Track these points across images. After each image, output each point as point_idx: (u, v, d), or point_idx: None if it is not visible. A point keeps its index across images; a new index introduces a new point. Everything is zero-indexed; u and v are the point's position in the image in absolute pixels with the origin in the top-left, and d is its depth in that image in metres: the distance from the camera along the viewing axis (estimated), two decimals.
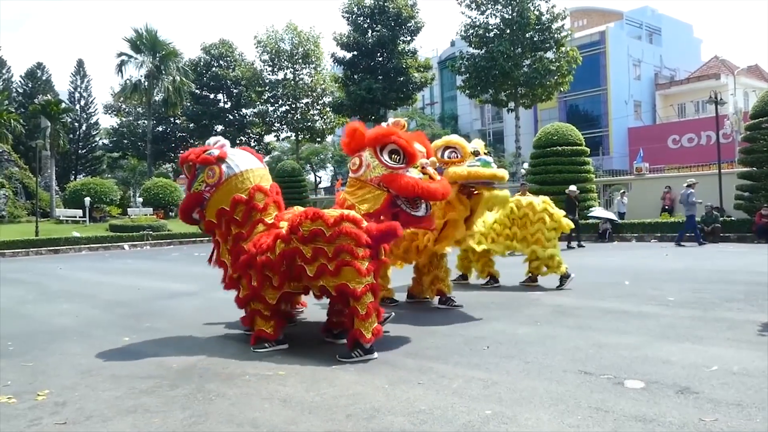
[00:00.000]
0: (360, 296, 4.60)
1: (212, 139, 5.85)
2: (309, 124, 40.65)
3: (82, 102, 49.34)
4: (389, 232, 4.78)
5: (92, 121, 50.37)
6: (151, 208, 30.57)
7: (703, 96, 30.33)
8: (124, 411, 3.64)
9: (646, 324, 5.73)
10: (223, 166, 5.42)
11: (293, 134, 42.34)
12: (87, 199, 28.31)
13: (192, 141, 46.41)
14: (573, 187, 16.88)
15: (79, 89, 49.25)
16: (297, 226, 4.78)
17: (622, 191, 23.93)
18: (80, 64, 49.76)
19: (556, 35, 30.31)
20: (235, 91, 43.49)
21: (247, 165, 5.54)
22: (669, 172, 28.28)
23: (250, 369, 4.50)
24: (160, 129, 46.25)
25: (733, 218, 18.58)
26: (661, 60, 45.52)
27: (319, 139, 43.73)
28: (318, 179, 56.82)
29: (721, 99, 22.66)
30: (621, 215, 21.78)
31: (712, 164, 23.55)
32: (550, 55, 30.52)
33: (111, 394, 3.97)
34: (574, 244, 16.28)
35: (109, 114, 49.80)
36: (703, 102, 35.08)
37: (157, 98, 40.49)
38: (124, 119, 49.31)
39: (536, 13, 30.02)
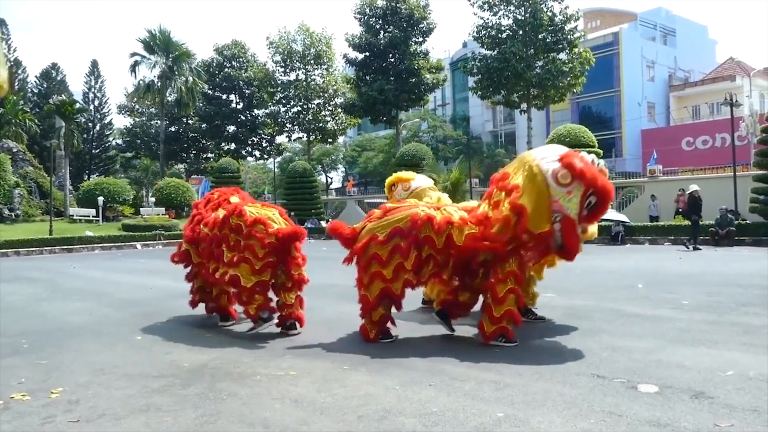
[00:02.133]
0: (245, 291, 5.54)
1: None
2: (320, 124, 40.76)
3: (96, 102, 49.83)
4: (294, 235, 5.84)
5: (106, 121, 50.88)
6: (164, 208, 30.79)
7: (718, 98, 30.05)
8: (136, 409, 3.66)
9: (661, 327, 5.68)
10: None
11: (305, 135, 42.48)
12: (100, 199, 28.58)
13: (204, 141, 46.70)
14: (696, 187, 16.81)
15: (93, 89, 49.75)
16: (227, 216, 5.82)
17: (652, 195, 23.51)
18: (94, 64, 50.29)
19: (569, 36, 30.17)
20: (247, 91, 43.70)
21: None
22: (683, 174, 28.01)
23: (261, 369, 4.51)
24: (173, 129, 46.57)
25: (748, 221, 18.37)
26: (675, 61, 45.12)
27: (330, 140, 43.83)
28: (329, 180, 56.94)
29: (736, 101, 22.42)
30: (653, 218, 21.56)
31: (726, 167, 23.32)
32: (562, 56, 30.39)
33: (124, 393, 4.00)
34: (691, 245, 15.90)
35: (123, 114, 50.29)
36: (717, 104, 34.71)
37: (170, 99, 40.81)
38: (137, 119, 49.73)
39: (549, 14, 29.90)
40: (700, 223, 16.75)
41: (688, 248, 15.70)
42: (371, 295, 5.24)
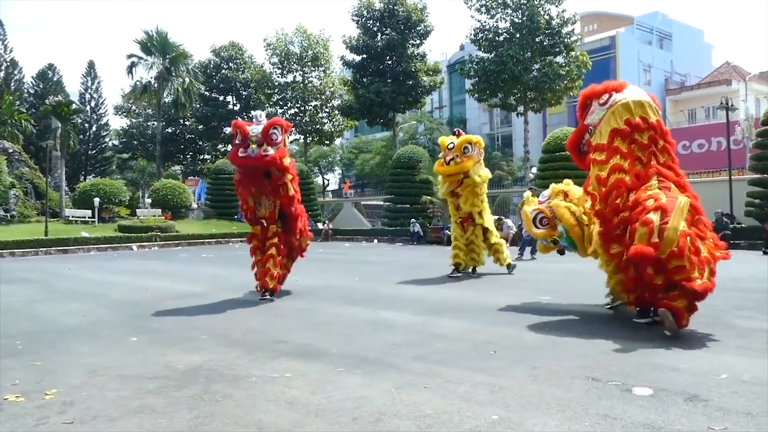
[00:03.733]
0: None
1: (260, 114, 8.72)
2: (317, 126, 40.76)
3: (93, 103, 49.69)
4: None
5: (102, 122, 50.72)
6: (160, 209, 30.72)
7: (714, 102, 30.16)
8: (130, 411, 3.65)
9: (655, 331, 5.69)
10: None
11: (302, 137, 42.46)
12: (96, 200, 28.49)
13: (201, 143, 46.62)
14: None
15: (89, 90, 49.61)
16: None
17: None
18: (91, 65, 50.14)
19: (566, 40, 30.30)
20: (244, 93, 43.68)
21: None
22: None
23: (256, 371, 4.50)
24: (170, 130, 46.49)
25: (743, 225, 18.43)
26: (671, 65, 45.30)
27: (327, 142, 43.84)
28: (326, 182, 56.89)
29: (732, 105, 22.53)
30: None
31: (722, 170, 23.38)
32: (559, 59, 30.50)
33: (118, 394, 3.99)
34: None
35: (119, 115, 50.17)
36: (713, 108, 34.84)
37: (166, 100, 40.72)
38: (133, 120, 49.63)
39: (546, 17, 30.01)
40: None
41: None
42: None
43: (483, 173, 10.62)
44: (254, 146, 7.74)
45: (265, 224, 8.43)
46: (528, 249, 15.11)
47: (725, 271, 10.84)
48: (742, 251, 16.29)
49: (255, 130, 7.90)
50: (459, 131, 10.81)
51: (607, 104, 6.26)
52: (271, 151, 7.76)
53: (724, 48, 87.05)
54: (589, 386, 3.92)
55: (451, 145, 10.23)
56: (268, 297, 8.30)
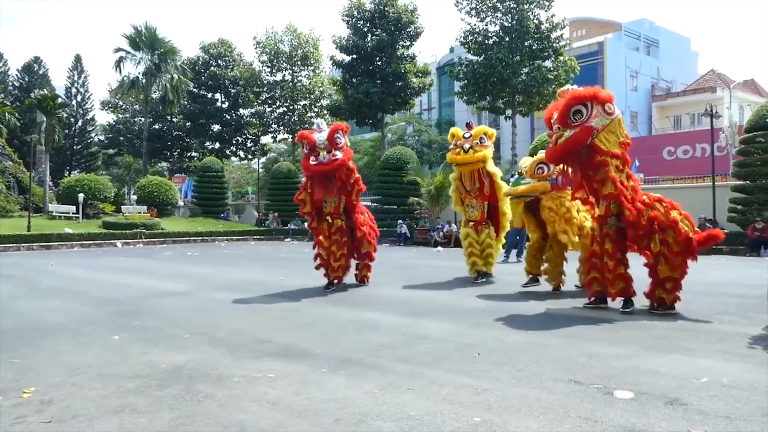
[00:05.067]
0: None
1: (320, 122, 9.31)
2: (306, 126, 40.63)
3: (79, 97, 49.16)
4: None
5: (88, 117, 50.21)
6: (145, 206, 30.47)
7: (699, 109, 30.53)
8: (110, 410, 3.61)
9: (638, 334, 5.74)
10: None
11: (290, 136, 42.32)
12: (81, 196, 28.19)
13: (188, 140, 46.28)
14: None
15: (75, 84, 49.08)
16: None
17: None
18: (78, 59, 49.62)
19: (554, 44, 30.46)
20: (233, 91, 43.45)
21: None
22: (664, 183, 28.37)
23: (239, 371, 4.48)
24: (157, 127, 46.11)
25: (726, 231, 18.66)
26: (658, 72, 45.79)
27: None
28: None
29: (716, 112, 22.81)
30: None
31: (706, 176, 23.68)
32: (548, 63, 30.65)
33: (98, 393, 3.94)
34: None
35: (106, 110, 49.67)
36: (698, 114, 35.27)
37: (154, 96, 40.40)
38: (120, 116, 49.16)
39: (536, 21, 30.17)
40: None
41: None
42: None
43: (497, 170, 10.27)
44: (324, 153, 8.60)
45: (330, 220, 9.16)
46: (514, 252, 15.19)
47: (706, 276, 11.00)
48: (725, 256, 16.51)
49: (321, 137, 8.70)
50: (471, 123, 10.41)
51: (614, 114, 6.71)
52: (339, 155, 8.63)
53: (710, 56, 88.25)
54: (572, 389, 3.95)
55: (468, 134, 9.86)
56: (331, 288, 9.21)
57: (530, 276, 9.38)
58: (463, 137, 9.88)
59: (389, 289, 9.38)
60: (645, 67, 44.75)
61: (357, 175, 9.14)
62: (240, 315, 7.15)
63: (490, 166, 9.99)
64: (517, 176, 9.39)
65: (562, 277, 9.00)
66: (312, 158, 8.63)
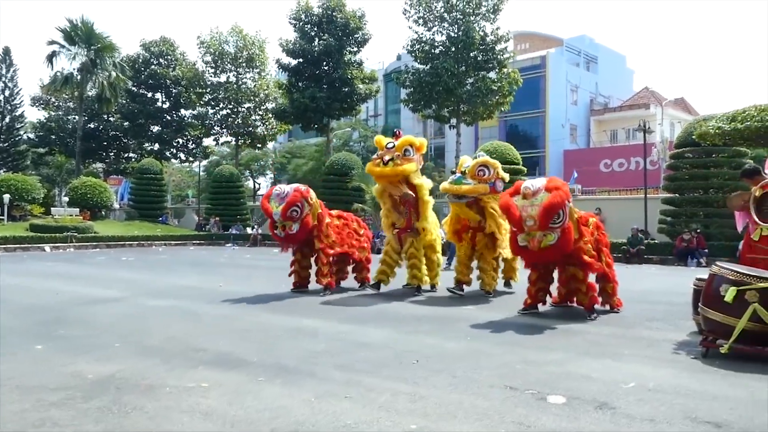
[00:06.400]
0: None
1: (282, 187, 9.59)
2: (250, 129, 40.09)
3: (7, 92, 46.57)
4: None
5: (17, 114, 47.63)
6: (78, 209, 29.19)
7: (634, 124, 31.98)
8: (29, 424, 3.42)
9: (572, 340, 5.93)
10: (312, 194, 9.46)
11: (233, 139, 41.60)
12: (6, 196, 26.74)
13: (126, 140, 44.77)
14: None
15: (3, 78, 46.53)
16: None
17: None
18: (6, 52, 47.09)
19: (499, 56, 31.23)
20: (174, 90, 42.35)
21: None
22: (600, 194, 29.53)
23: (171, 380, 4.34)
24: (92, 126, 44.33)
25: (656, 241, 19.57)
26: (596, 87, 47.65)
27: (259, 145, 43.18)
28: (257, 186, 55.94)
29: (649, 128, 23.93)
30: None
31: (639, 189, 24.75)
32: (492, 75, 31.40)
33: (16, 407, 3.73)
34: None
35: (37, 107, 47.38)
36: (633, 129, 36.90)
37: (90, 93, 38.86)
38: (52, 113, 46.98)
39: (481, 33, 30.88)
40: (612, 241, 17.72)
41: None
42: None
43: (426, 182, 9.36)
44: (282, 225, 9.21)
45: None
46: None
47: (637, 284, 11.50)
48: (655, 266, 17.32)
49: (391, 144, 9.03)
50: (399, 132, 9.45)
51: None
52: (295, 228, 9.15)
53: (644, 73, 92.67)
54: (507, 395, 4.03)
55: (391, 145, 8.92)
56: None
57: (458, 282, 9.32)
58: (386, 147, 8.96)
59: (330, 297, 9.34)
60: (584, 82, 46.50)
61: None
62: (174, 322, 6.94)
63: (417, 179, 9.08)
64: (459, 175, 8.98)
65: (496, 281, 9.39)
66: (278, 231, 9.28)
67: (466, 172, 8.89)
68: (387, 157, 8.75)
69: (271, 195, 9.34)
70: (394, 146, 8.91)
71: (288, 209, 9.03)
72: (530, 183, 7.00)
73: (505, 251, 9.14)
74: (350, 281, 10.57)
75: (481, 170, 8.85)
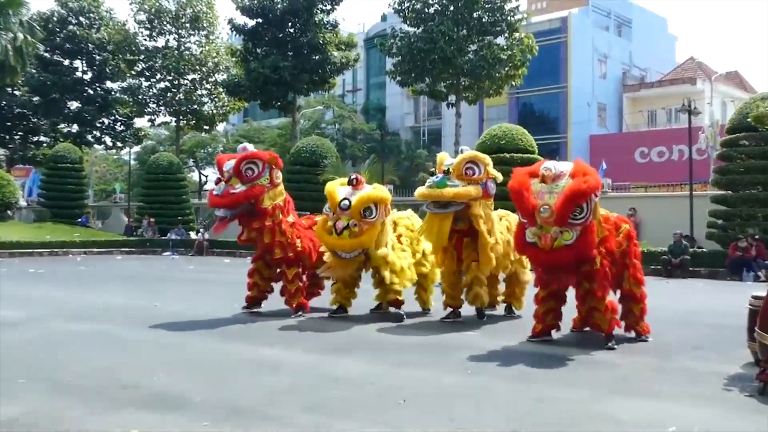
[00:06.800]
0: None
1: (249, 145, 9.73)
2: (195, 106, 39.89)
3: None
4: None
5: None
6: None
7: (676, 102, 32.14)
8: None
9: (596, 374, 5.99)
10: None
11: (173, 119, 41.37)
12: None
13: (36, 120, 44.32)
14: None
15: None
16: None
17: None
18: None
19: (509, 18, 31.32)
20: (98, 57, 42.01)
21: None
22: (635, 190, 29.71)
23: (92, 425, 4.33)
24: None
25: (704, 249, 19.65)
26: (630, 57, 47.90)
27: (207, 127, 42.98)
28: (204, 179, 55.70)
29: (695, 108, 24.07)
30: None
31: (683, 184, 24.82)
32: (500, 41, 31.51)
33: None
34: None
35: None
36: (675, 110, 37.12)
37: None
38: None
39: None
40: (650, 249, 17.97)
41: None
42: None
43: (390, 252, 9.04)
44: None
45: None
46: None
47: (679, 303, 11.64)
48: (702, 280, 17.47)
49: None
50: (358, 178, 8.98)
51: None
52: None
53: (690, 41, 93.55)
54: None
55: (346, 204, 8.49)
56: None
57: (451, 309, 9.24)
58: (339, 207, 8.58)
59: (297, 318, 9.34)
60: (616, 50, 46.74)
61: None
62: (96, 352, 6.90)
63: (379, 254, 8.83)
64: (441, 176, 8.59)
65: (488, 297, 9.07)
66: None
67: (451, 171, 8.54)
68: (341, 224, 8.46)
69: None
70: (349, 206, 8.49)
71: (243, 162, 8.90)
72: (553, 164, 6.97)
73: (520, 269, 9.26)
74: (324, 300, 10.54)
75: (470, 168, 8.54)
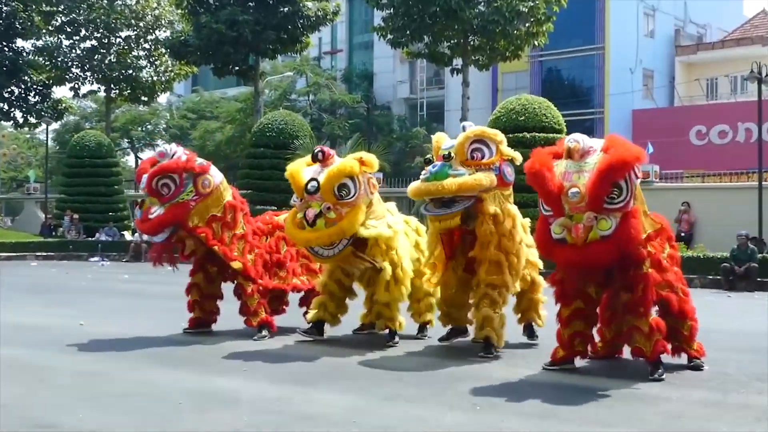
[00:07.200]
0: None
1: (169, 147, 9.49)
2: (130, 72, 39.82)
3: None
4: None
5: None
6: None
7: (744, 69, 32.13)
8: None
9: (636, 411, 6.02)
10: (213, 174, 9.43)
11: (102, 88, 41.27)
12: None
13: None
14: None
15: None
16: None
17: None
18: None
19: None
20: (4, 8, 41.87)
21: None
22: (689, 180, 29.74)
23: None
24: None
25: None
26: (684, 10, 47.85)
27: (145, 99, 42.87)
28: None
29: (767, 75, 24.06)
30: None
31: (752, 172, 24.86)
32: None
33: None
34: None
35: None
36: (742, 78, 37.05)
37: None
38: None
39: None
40: (707, 255, 17.99)
41: None
42: None
43: (390, 224, 8.82)
44: None
45: None
46: None
47: (743, 322, 11.68)
48: None
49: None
50: (325, 151, 8.63)
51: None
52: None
53: None
54: None
55: (314, 186, 8.19)
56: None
57: (450, 328, 9.13)
58: (306, 191, 8.28)
59: (260, 339, 9.36)
60: (666, 2, 46.67)
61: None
62: (10, 382, 6.90)
63: (368, 231, 8.49)
64: (440, 164, 7.96)
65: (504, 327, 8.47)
66: None
67: (452, 155, 7.98)
68: (312, 213, 8.18)
69: (157, 161, 9.24)
70: (317, 187, 8.19)
71: (154, 180, 8.89)
72: (580, 137, 6.86)
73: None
74: (292, 317, 10.57)
75: (477, 149, 8.03)
